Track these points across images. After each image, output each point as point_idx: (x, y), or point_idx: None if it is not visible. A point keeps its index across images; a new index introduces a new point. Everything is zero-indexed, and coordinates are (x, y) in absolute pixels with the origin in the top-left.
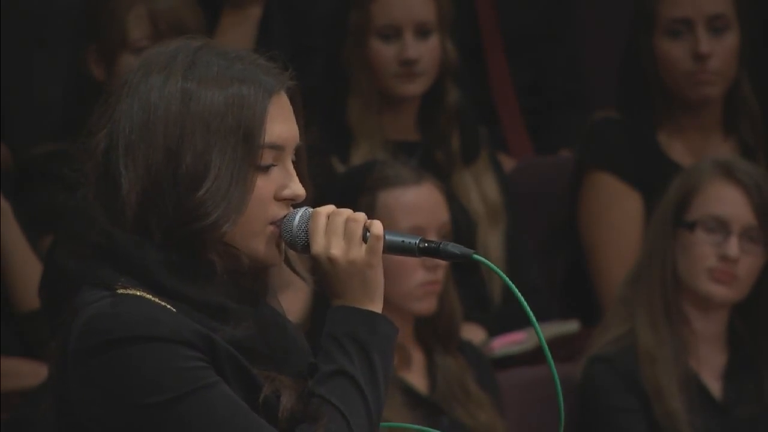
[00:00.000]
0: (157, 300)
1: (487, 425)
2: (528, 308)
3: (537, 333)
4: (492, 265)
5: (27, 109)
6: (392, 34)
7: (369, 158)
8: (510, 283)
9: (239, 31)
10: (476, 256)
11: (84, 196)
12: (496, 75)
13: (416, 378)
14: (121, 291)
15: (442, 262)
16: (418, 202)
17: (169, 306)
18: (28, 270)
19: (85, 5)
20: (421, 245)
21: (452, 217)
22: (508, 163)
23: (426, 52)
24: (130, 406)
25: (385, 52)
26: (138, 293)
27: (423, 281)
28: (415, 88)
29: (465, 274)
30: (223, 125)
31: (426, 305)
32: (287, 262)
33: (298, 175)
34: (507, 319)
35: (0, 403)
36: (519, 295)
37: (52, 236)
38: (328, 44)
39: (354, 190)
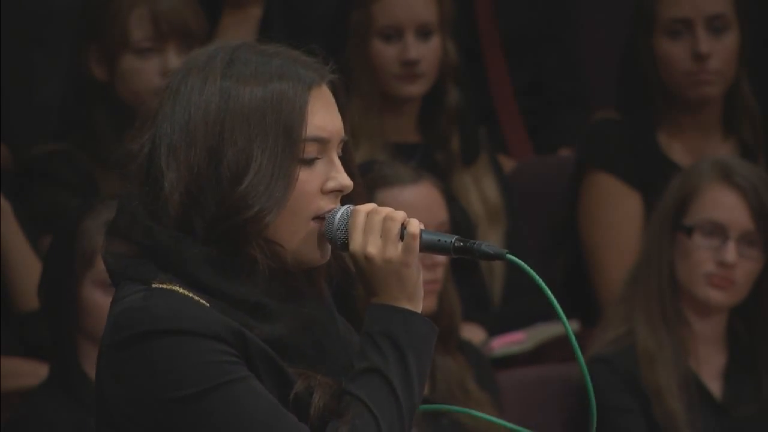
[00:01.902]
0: (191, 295)
1: (487, 425)
2: (560, 310)
3: (568, 333)
4: (525, 265)
5: (27, 109)
6: (394, 34)
7: (369, 159)
8: (543, 284)
9: (239, 31)
10: (510, 256)
11: (127, 197)
12: (495, 75)
13: None
14: (156, 285)
15: (442, 261)
16: (417, 200)
17: (202, 301)
18: (28, 270)
19: (86, 5)
20: (456, 244)
21: (452, 218)
22: (507, 164)
23: (427, 53)
24: (157, 400)
25: (386, 52)
26: (173, 287)
27: (422, 280)
28: (416, 89)
29: (465, 274)
30: (263, 120)
31: (425, 304)
32: (339, 259)
33: (345, 169)
34: (507, 319)
35: (0, 403)
36: (551, 295)
37: (52, 236)
38: (328, 44)
39: None
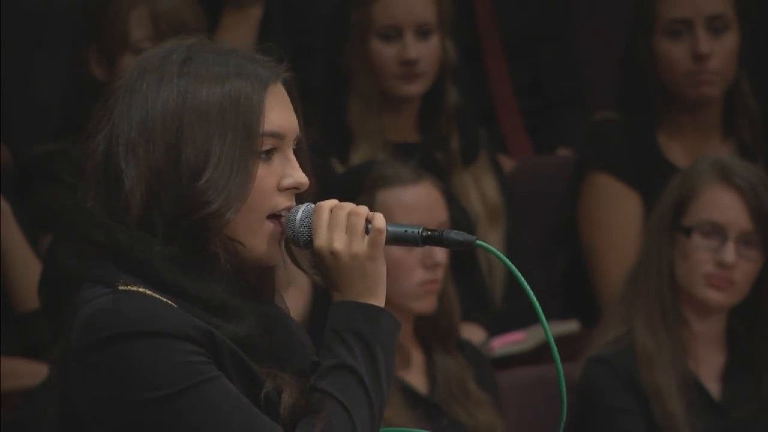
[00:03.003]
0: (158, 296)
1: (487, 425)
2: (532, 295)
3: (541, 320)
4: (495, 250)
5: (27, 109)
6: (393, 34)
7: (369, 159)
8: (513, 268)
9: (239, 31)
10: (480, 242)
11: (83, 197)
12: (494, 75)
13: (416, 378)
14: (122, 287)
15: (442, 261)
16: (417, 200)
17: (170, 302)
18: (28, 270)
19: (86, 5)
20: (423, 234)
21: (452, 217)
22: (507, 164)
23: (426, 52)
24: (130, 402)
25: (385, 52)
26: (139, 289)
27: (423, 280)
28: (416, 88)
29: (465, 274)
30: (222, 116)
31: (426, 304)
32: (293, 259)
33: (300, 166)
34: (507, 319)
35: (0, 403)
36: (523, 280)
37: (52, 236)
38: (328, 44)
39: (352, 190)
